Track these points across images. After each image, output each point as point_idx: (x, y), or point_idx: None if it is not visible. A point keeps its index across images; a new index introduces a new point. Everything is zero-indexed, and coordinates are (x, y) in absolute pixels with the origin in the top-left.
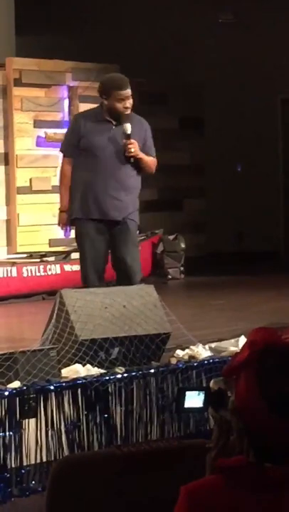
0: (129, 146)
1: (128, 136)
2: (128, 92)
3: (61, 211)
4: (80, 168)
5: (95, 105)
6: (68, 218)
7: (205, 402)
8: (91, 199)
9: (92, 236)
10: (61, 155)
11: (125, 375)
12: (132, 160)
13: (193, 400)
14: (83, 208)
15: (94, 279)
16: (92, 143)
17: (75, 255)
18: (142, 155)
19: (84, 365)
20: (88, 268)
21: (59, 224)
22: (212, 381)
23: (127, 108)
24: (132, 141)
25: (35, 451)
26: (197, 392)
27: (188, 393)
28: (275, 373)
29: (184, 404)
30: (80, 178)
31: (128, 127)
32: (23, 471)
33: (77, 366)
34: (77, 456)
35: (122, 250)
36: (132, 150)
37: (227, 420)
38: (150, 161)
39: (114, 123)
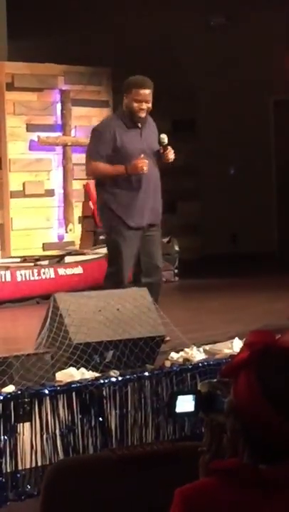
0: (169, 155)
1: (166, 146)
2: (146, 92)
3: (126, 168)
4: (117, 180)
5: (87, 109)
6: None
7: (196, 405)
8: (134, 211)
9: (130, 242)
10: (55, 158)
11: (120, 378)
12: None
13: (185, 404)
14: (125, 220)
15: (126, 277)
16: (127, 149)
17: (69, 259)
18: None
19: (78, 369)
20: (124, 271)
21: (142, 168)
22: (201, 384)
23: (142, 110)
24: (171, 149)
25: (30, 456)
26: (188, 396)
27: (179, 397)
28: (276, 374)
29: (175, 408)
30: (117, 188)
31: (165, 138)
32: (18, 476)
33: (72, 370)
34: (72, 460)
35: (155, 251)
36: (171, 157)
37: (219, 423)
38: None
39: (139, 126)
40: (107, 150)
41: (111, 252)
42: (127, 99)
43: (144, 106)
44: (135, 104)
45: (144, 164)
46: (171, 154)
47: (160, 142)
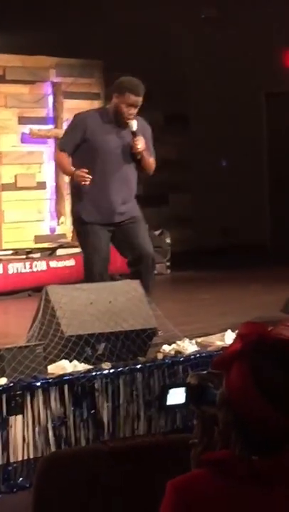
0: (136, 142)
1: (134, 133)
2: (139, 100)
3: (73, 172)
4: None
5: (79, 101)
6: (76, 217)
7: (186, 397)
8: (102, 207)
9: (100, 235)
10: (46, 151)
11: (112, 370)
12: (138, 157)
13: (176, 396)
14: (92, 214)
15: (97, 272)
16: (98, 144)
17: (61, 251)
18: (147, 159)
19: (70, 361)
20: (95, 265)
21: (81, 181)
22: (191, 376)
23: (130, 115)
24: (139, 137)
25: (22, 448)
26: (180, 388)
27: (171, 390)
28: (269, 365)
29: (166, 401)
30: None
31: (134, 124)
32: (10, 468)
33: (64, 362)
34: (64, 452)
35: (137, 241)
36: (139, 146)
37: (211, 415)
38: (152, 161)
39: (119, 125)
40: (75, 140)
41: (80, 244)
42: (118, 100)
43: (134, 111)
44: (125, 109)
45: (84, 180)
46: (138, 143)
47: (129, 130)
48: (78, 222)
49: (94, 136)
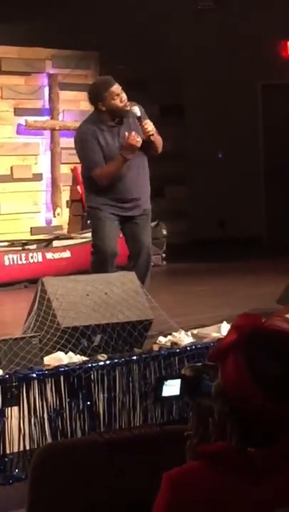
0: (146, 126)
1: (140, 118)
2: (118, 86)
3: (121, 156)
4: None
5: (75, 93)
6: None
7: (181, 389)
8: (115, 199)
9: (113, 223)
10: (42, 143)
11: (108, 362)
12: (151, 138)
13: (172, 388)
14: (106, 206)
15: (110, 259)
16: (110, 155)
17: (57, 243)
18: (156, 134)
19: (66, 353)
20: (107, 251)
21: (135, 145)
22: (186, 368)
23: (124, 101)
24: (147, 121)
25: (18, 440)
26: (175, 380)
27: (166, 382)
28: (265, 356)
29: (161, 392)
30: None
31: (137, 110)
32: (6, 460)
33: (60, 354)
34: (59, 443)
35: (141, 236)
36: (150, 129)
37: (206, 407)
38: (159, 138)
39: (115, 124)
40: (99, 155)
41: (94, 230)
42: (106, 102)
43: (124, 96)
44: (117, 100)
45: (134, 140)
46: (148, 126)
47: (134, 116)
48: (91, 211)
49: (102, 144)
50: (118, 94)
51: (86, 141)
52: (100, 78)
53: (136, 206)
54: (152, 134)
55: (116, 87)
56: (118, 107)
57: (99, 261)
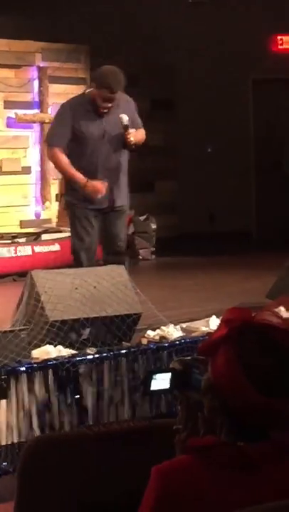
0: (128, 136)
1: (126, 127)
2: (115, 96)
3: (85, 184)
4: (74, 159)
5: (65, 86)
6: (67, 199)
7: (171, 383)
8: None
9: (90, 219)
10: (32, 136)
11: (96, 355)
12: (132, 148)
13: (161, 381)
14: (84, 199)
15: (85, 258)
16: (85, 134)
17: (46, 236)
18: (138, 138)
19: (55, 346)
20: (81, 250)
21: (96, 193)
22: (175, 361)
23: (105, 108)
24: (131, 131)
25: (6, 433)
26: (164, 374)
27: (155, 376)
28: (255, 350)
29: (150, 386)
30: (77, 169)
31: (125, 119)
32: None
33: (48, 347)
34: (48, 437)
35: (115, 232)
36: (132, 140)
37: (195, 401)
38: (141, 135)
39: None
40: (65, 133)
41: (70, 225)
42: (96, 91)
43: (109, 105)
44: (100, 102)
45: (102, 192)
46: (130, 136)
47: (121, 123)
48: (70, 207)
49: (80, 125)
50: (106, 101)
51: (61, 113)
52: (117, 74)
53: (110, 201)
54: (134, 145)
55: (112, 95)
56: (97, 104)
57: (75, 259)
